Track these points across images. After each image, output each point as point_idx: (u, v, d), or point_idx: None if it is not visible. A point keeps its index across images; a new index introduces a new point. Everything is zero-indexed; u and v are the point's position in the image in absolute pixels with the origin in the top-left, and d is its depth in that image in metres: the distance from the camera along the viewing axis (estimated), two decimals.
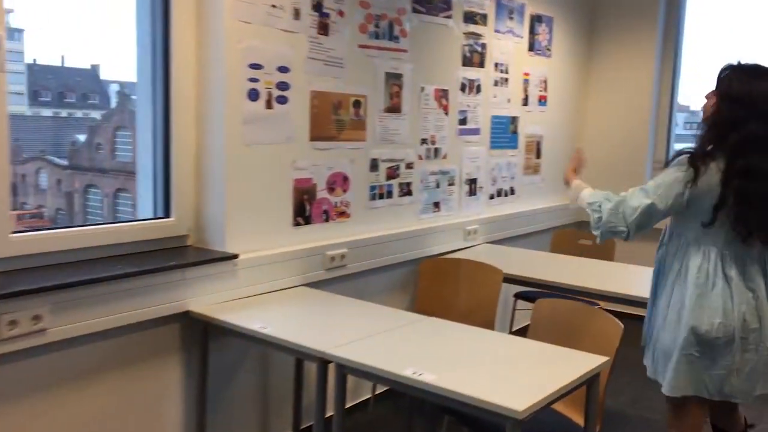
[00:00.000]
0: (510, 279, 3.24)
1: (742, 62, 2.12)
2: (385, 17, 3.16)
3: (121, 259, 2.35)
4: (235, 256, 2.53)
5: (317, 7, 2.81)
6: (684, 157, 2.08)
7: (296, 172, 2.82)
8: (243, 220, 2.61)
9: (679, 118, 5.63)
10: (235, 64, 2.53)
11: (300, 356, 2.37)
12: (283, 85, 2.71)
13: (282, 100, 2.71)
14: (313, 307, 2.58)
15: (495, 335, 2.37)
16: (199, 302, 2.44)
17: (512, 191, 4.32)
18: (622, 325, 2.24)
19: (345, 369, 2.01)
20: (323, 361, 2.07)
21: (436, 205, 3.67)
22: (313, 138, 2.87)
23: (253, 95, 2.60)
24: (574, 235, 4.16)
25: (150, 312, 2.32)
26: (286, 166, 2.77)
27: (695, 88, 5.08)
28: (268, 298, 2.62)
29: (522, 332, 4.34)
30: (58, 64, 3.25)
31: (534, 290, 3.40)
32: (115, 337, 2.28)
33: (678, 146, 2.43)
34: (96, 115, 3.59)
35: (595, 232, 2.23)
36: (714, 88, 2.13)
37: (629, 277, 3.29)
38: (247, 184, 2.62)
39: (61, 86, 3.23)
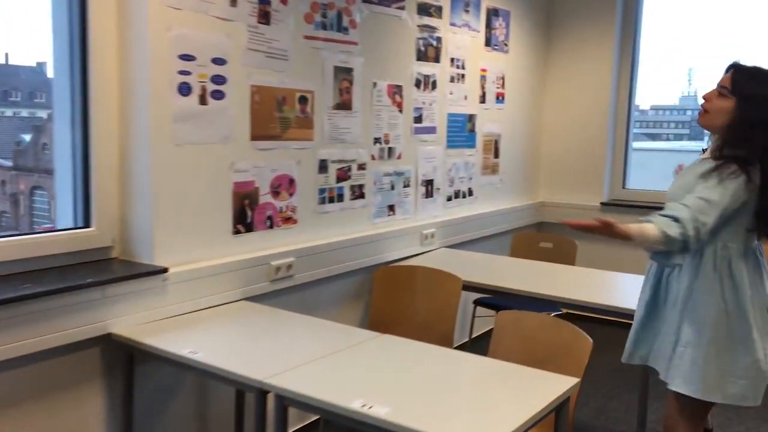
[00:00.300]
0: (470, 287, 3.05)
1: (747, 64, 2.09)
2: (332, 6, 2.92)
3: (35, 276, 2.06)
4: (165, 270, 2.26)
5: None
6: (728, 165, 1.99)
7: (236, 175, 2.56)
8: (174, 228, 2.34)
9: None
10: (162, 54, 2.25)
11: (235, 386, 2.11)
12: (218, 79, 2.44)
13: (218, 95, 2.45)
14: (253, 326, 2.33)
15: (455, 355, 2.16)
16: (123, 323, 2.16)
17: (470, 192, 4.14)
18: (591, 341, 2.06)
19: (285, 400, 1.76)
20: (262, 392, 1.82)
21: (391, 208, 3.45)
22: (255, 137, 2.62)
23: (185, 89, 2.34)
24: (535, 238, 4.00)
25: (65, 336, 2.03)
26: (224, 169, 2.51)
27: (651, 87, 5.03)
28: (204, 316, 2.35)
29: (482, 339, 4.19)
30: (2, 62, 2.98)
31: (494, 297, 3.22)
32: (27, 366, 2.00)
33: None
34: (43, 114, 3.32)
35: (676, 246, 2.01)
36: (724, 90, 2.06)
37: (592, 283, 3.12)
38: (179, 188, 2.35)
39: (6, 85, 2.97)
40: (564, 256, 3.78)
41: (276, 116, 2.70)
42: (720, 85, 2.09)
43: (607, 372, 3.60)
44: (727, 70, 2.11)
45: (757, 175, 1.99)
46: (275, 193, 2.74)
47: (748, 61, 2.11)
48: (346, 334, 2.26)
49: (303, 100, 2.82)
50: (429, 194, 3.74)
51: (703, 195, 1.98)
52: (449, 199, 3.93)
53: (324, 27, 2.89)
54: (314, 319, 2.41)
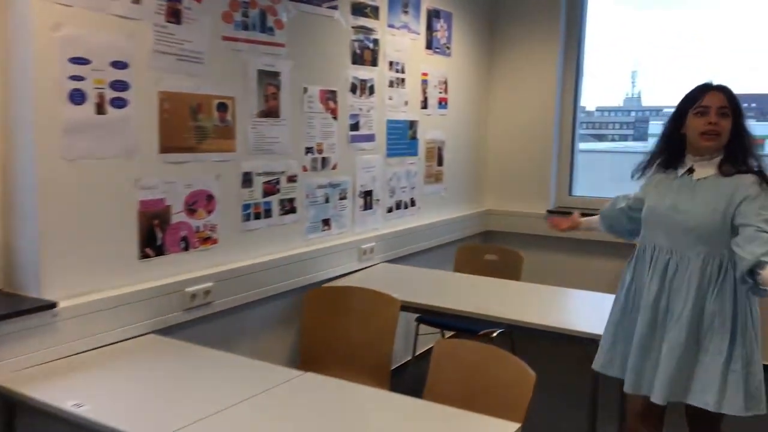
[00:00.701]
0: (409, 307, 2.84)
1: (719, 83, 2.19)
2: (255, 5, 2.66)
3: None
4: (53, 305, 1.97)
5: None
6: (755, 177, 2.09)
7: (142, 192, 2.28)
8: (67, 255, 2.05)
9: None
10: (49, 57, 1.96)
11: None
12: (119, 85, 2.16)
13: (119, 102, 2.17)
14: (157, 366, 2.05)
15: (385, 398, 1.92)
16: (3, 369, 1.86)
17: (413, 203, 3.93)
18: (534, 375, 1.87)
19: None
20: None
21: (326, 222, 3.21)
22: (165, 149, 2.34)
23: (78, 97, 2.05)
24: (480, 250, 3.82)
25: None
26: (128, 186, 2.23)
27: (596, 88, 4.95)
28: (102, 356, 2.07)
29: (427, 356, 3.97)
30: None
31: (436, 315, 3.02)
32: None
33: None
34: None
35: None
36: (725, 110, 2.13)
37: (537, 300, 2.95)
38: (71, 209, 2.06)
39: None
40: (509, 269, 3.61)
41: (190, 126, 2.43)
42: (719, 105, 2.13)
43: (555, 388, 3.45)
44: (705, 89, 2.16)
45: None
46: (191, 211, 2.47)
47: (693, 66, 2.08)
48: (263, 374, 2.00)
49: (222, 107, 2.56)
50: (368, 206, 3.52)
51: None
52: (390, 210, 3.72)
53: (245, 27, 2.63)
54: (228, 355, 2.15)
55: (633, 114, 5.35)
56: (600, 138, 5.47)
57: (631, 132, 5.46)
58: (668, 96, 4.88)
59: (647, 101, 5.00)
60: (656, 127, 5.04)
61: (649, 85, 4.81)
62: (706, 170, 2.16)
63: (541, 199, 4.63)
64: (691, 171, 2.19)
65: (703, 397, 2.06)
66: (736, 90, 2.17)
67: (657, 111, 5.04)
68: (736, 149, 2.12)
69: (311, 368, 2.72)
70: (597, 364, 2.30)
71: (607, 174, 5.22)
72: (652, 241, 2.23)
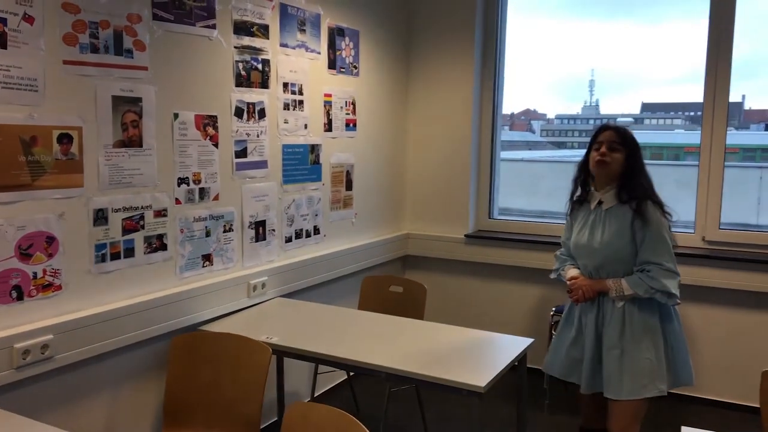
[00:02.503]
0: (291, 353, 2.62)
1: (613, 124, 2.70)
2: (106, 25, 2.42)
3: None
4: None
5: None
6: (652, 203, 2.52)
7: None
8: None
9: (535, 125, 5.39)
10: None
11: None
12: None
13: None
14: None
15: None
16: None
17: (316, 231, 3.71)
18: None
19: None
20: None
21: (207, 258, 2.96)
22: None
23: None
24: (385, 282, 3.62)
25: None
26: None
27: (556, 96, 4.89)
28: None
29: (323, 398, 3.77)
30: None
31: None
32: None
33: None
34: None
35: (676, 301, 2.54)
36: (616, 144, 2.58)
37: (432, 346, 2.74)
38: None
39: None
40: (413, 302, 3.42)
41: (22, 161, 2.17)
42: (609, 141, 2.58)
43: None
44: (602, 129, 2.63)
45: None
46: (25, 255, 2.20)
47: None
48: None
49: (65, 138, 2.30)
50: (260, 237, 3.28)
51: (667, 249, 2.51)
52: (288, 240, 3.49)
53: (95, 50, 2.38)
54: (39, 425, 1.88)
55: (591, 122, 5.25)
56: (560, 145, 5.39)
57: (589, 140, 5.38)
58: (624, 104, 4.96)
59: (605, 109, 4.94)
60: None
61: (606, 93, 4.77)
62: (609, 201, 2.60)
63: (459, 223, 4.47)
64: (600, 203, 2.62)
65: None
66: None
67: (613, 119, 4.96)
68: (628, 179, 2.55)
69: (176, 426, 2.49)
70: (545, 366, 2.83)
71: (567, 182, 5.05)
72: (584, 268, 2.68)
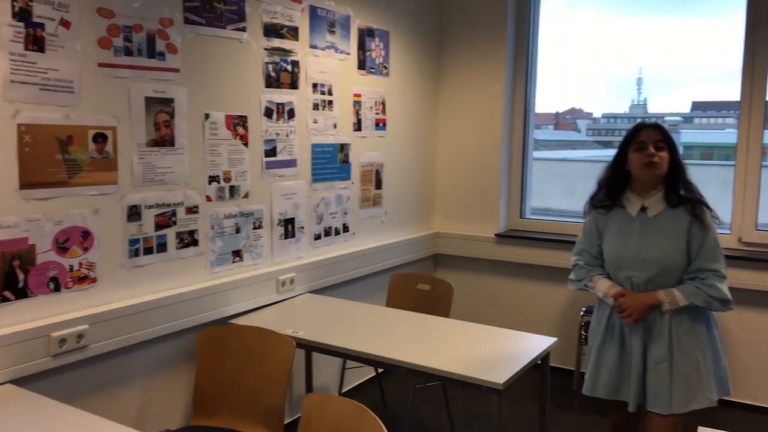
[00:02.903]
0: (317, 347, 2.68)
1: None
2: (139, 29, 2.52)
3: None
4: None
5: (22, 15, 2.14)
6: (703, 207, 2.38)
7: None
8: None
9: (581, 124, 5.32)
10: None
11: None
12: None
13: None
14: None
15: None
16: None
17: (346, 228, 3.77)
18: None
19: None
20: None
21: (237, 253, 3.05)
22: (26, 185, 2.19)
23: None
24: (413, 279, 3.65)
25: None
26: None
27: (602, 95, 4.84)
28: None
29: (351, 394, 3.82)
30: None
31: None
32: None
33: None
34: None
35: (731, 308, 2.40)
36: (662, 144, 2.39)
37: (456, 342, 2.77)
38: None
39: None
40: (440, 299, 3.44)
41: (59, 159, 2.28)
42: (654, 140, 2.39)
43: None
44: (640, 128, 2.44)
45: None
46: (62, 249, 2.31)
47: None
48: None
49: (100, 138, 2.41)
50: (290, 234, 3.36)
51: (722, 254, 2.38)
52: (317, 237, 3.56)
53: (128, 53, 2.49)
54: (74, 410, 1.98)
55: (639, 121, 5.17)
56: (606, 145, 5.31)
57: None
58: (673, 103, 4.79)
59: (653, 108, 4.85)
60: None
61: (655, 92, 4.68)
62: (656, 206, 2.42)
63: (490, 222, 4.47)
64: (644, 209, 2.43)
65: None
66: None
67: (660, 118, 4.87)
68: (676, 180, 2.39)
69: (204, 415, 2.58)
70: (586, 389, 2.56)
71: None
72: (633, 279, 2.45)
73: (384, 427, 1.74)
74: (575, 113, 5.27)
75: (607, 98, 5.02)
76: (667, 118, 4.77)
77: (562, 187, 5.00)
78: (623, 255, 2.44)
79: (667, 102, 4.78)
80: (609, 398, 2.48)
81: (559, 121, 5.18)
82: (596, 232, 2.55)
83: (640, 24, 4.38)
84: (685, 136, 4.79)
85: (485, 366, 2.39)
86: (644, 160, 2.37)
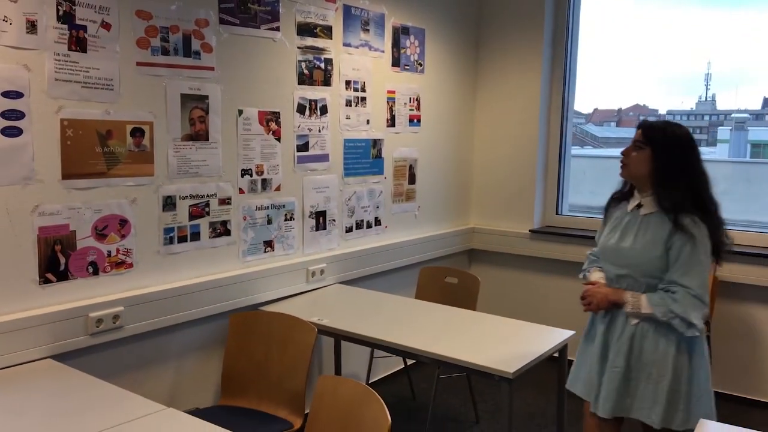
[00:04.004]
0: (344, 336, 2.79)
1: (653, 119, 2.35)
2: (176, 30, 2.67)
3: None
4: None
5: (66, 18, 2.31)
6: (692, 218, 2.18)
7: (42, 219, 2.31)
8: None
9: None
10: None
11: None
12: (13, 114, 2.20)
13: (13, 132, 2.21)
14: (31, 395, 2.06)
15: None
16: None
17: (378, 222, 3.86)
18: (390, 420, 1.79)
19: None
20: None
21: (269, 244, 3.18)
22: (68, 176, 2.37)
23: None
24: (442, 273, 3.72)
25: None
26: (24, 213, 2.26)
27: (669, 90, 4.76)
28: None
29: (380, 384, 3.91)
30: None
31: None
32: None
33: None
34: None
35: (695, 333, 2.19)
36: (639, 143, 2.28)
37: (478, 334, 2.83)
38: None
39: None
40: (467, 293, 3.50)
41: (99, 151, 2.45)
42: (634, 140, 2.29)
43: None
44: (637, 128, 2.32)
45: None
46: (101, 235, 2.49)
47: None
48: (129, 406, 1.98)
49: (138, 132, 2.57)
50: (321, 226, 3.48)
51: (701, 274, 2.18)
52: (349, 230, 3.66)
53: (165, 52, 2.64)
54: (107, 385, 2.14)
55: (706, 118, 5.09)
56: None
57: (705, 137, 5.21)
58: (744, 99, 4.61)
59: (722, 105, 4.75)
60: (725, 132, 4.79)
61: (724, 88, 4.56)
62: (649, 206, 2.30)
63: (525, 218, 4.49)
64: (639, 206, 2.34)
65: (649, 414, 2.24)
66: None
67: (727, 115, 4.78)
68: (664, 183, 2.23)
69: (231, 397, 2.72)
70: (568, 383, 2.52)
71: None
72: (607, 273, 2.40)
73: (386, 408, 1.83)
74: (639, 110, 5.18)
75: (673, 95, 4.89)
76: (734, 115, 4.65)
77: (614, 185, 4.93)
78: (606, 246, 2.38)
79: (737, 98, 4.63)
80: (585, 398, 2.42)
81: (622, 117, 5.12)
82: (604, 223, 2.52)
83: (708, 18, 4.24)
84: (753, 134, 4.66)
85: (501, 356, 2.45)
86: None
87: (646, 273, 2.25)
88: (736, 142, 4.75)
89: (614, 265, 2.34)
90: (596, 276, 2.43)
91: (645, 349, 2.25)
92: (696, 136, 5.17)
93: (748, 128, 4.61)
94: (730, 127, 4.73)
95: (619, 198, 2.46)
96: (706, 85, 4.59)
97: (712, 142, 4.99)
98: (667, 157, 2.23)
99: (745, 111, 4.67)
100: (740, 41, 4.09)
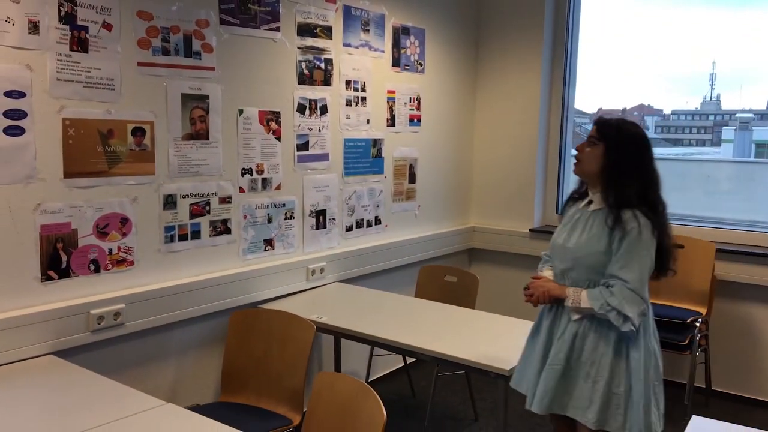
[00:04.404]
0: (343, 333, 2.82)
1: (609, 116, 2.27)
2: (177, 30, 2.70)
3: None
4: None
5: (68, 18, 2.34)
6: (632, 212, 2.12)
7: (44, 217, 2.34)
8: None
9: (649, 121, 5.26)
10: None
11: None
12: (15, 114, 2.23)
13: (15, 131, 2.24)
14: (30, 390, 2.09)
15: None
16: None
17: (378, 221, 3.89)
18: (385, 416, 1.81)
19: None
20: None
21: (269, 242, 3.21)
22: (70, 175, 2.40)
23: None
24: (441, 271, 3.74)
25: None
26: (26, 211, 2.29)
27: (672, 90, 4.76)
28: None
29: (380, 382, 3.93)
30: None
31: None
32: None
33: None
34: None
35: (630, 327, 2.11)
36: (593, 139, 2.22)
37: (476, 331, 2.85)
38: None
39: None
40: (466, 291, 3.52)
41: (100, 151, 2.48)
42: (589, 136, 2.23)
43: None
44: (593, 124, 2.26)
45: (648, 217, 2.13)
46: (102, 234, 2.52)
47: None
48: (128, 401, 2.01)
49: (139, 131, 2.60)
50: (321, 225, 3.50)
51: (639, 269, 2.11)
52: (349, 229, 3.69)
53: (166, 52, 2.67)
54: (106, 380, 2.17)
55: (711, 118, 5.10)
56: (675, 143, 5.24)
57: (709, 137, 5.22)
58: (749, 99, 4.56)
59: (726, 105, 4.74)
60: (729, 132, 4.80)
61: (729, 88, 4.53)
62: (598, 202, 2.23)
63: (525, 218, 4.50)
64: (590, 203, 2.28)
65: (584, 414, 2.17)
66: None
67: (732, 115, 4.77)
68: (612, 179, 2.17)
69: (231, 393, 2.75)
70: (512, 382, 2.39)
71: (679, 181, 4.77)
72: (555, 269, 2.35)
73: (381, 404, 1.85)
74: (644, 110, 5.19)
75: (677, 94, 4.87)
76: (738, 115, 4.65)
77: None
78: (555, 242, 2.33)
79: (742, 98, 4.61)
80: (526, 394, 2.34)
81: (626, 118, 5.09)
82: (560, 222, 2.44)
83: (713, 17, 4.22)
84: (758, 134, 4.66)
85: (498, 354, 2.47)
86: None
87: (589, 268, 2.18)
88: (741, 142, 4.75)
89: (561, 261, 2.28)
90: (548, 273, 2.37)
91: (585, 348, 2.18)
92: (700, 136, 5.20)
93: (753, 128, 4.61)
94: (734, 127, 4.73)
95: (576, 197, 2.39)
96: (711, 85, 4.59)
97: (717, 142, 5.00)
98: (619, 154, 2.17)
99: (750, 111, 4.67)
100: (745, 41, 4.09)
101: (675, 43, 4.39)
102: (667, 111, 5.11)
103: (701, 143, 5.29)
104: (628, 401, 2.14)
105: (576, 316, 2.20)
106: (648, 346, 2.19)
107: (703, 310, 3.69)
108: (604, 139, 2.19)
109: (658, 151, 5.16)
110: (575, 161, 2.26)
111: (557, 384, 2.20)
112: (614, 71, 4.50)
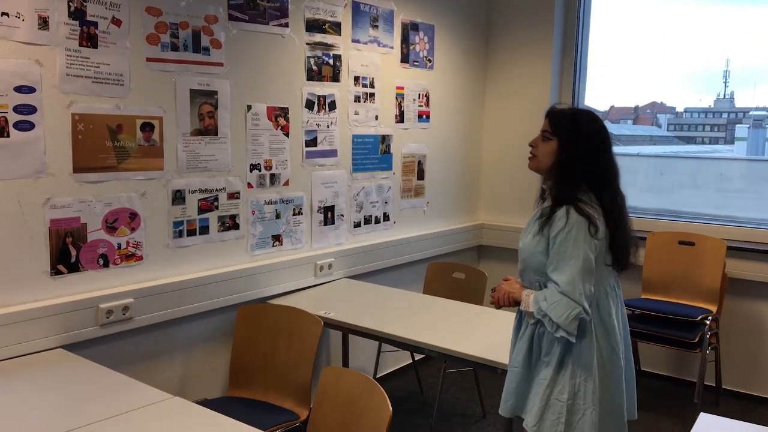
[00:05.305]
0: (350, 329, 2.82)
1: (562, 107, 2.18)
2: (185, 26, 2.71)
3: None
4: None
5: (77, 14, 2.36)
6: (566, 209, 1.98)
7: (53, 212, 2.36)
8: None
9: (662, 119, 5.22)
10: None
11: None
12: (25, 108, 2.25)
13: (25, 126, 2.25)
14: (37, 382, 2.11)
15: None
16: None
17: (386, 217, 3.89)
18: (391, 410, 1.82)
19: None
20: None
21: (277, 238, 3.22)
22: (79, 169, 2.41)
23: None
24: (449, 268, 3.73)
25: None
26: (35, 205, 2.31)
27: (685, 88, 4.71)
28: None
29: (388, 378, 3.94)
30: None
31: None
32: None
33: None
34: None
35: (562, 333, 1.98)
36: (546, 134, 2.12)
37: (482, 328, 2.85)
38: None
39: None
40: (474, 288, 3.52)
41: (109, 146, 2.50)
42: (542, 130, 2.14)
43: None
44: (545, 117, 2.17)
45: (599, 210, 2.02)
46: (111, 228, 2.53)
47: None
48: (136, 395, 2.02)
49: (148, 127, 2.61)
50: (329, 221, 3.51)
51: (569, 269, 1.96)
52: (357, 225, 3.69)
53: (175, 48, 2.68)
54: (113, 373, 2.18)
55: (725, 116, 5.06)
56: (688, 141, 5.21)
57: (723, 135, 5.19)
58: (763, 97, 4.46)
59: (740, 102, 4.69)
60: (743, 130, 4.76)
61: (743, 85, 4.48)
62: (549, 200, 2.11)
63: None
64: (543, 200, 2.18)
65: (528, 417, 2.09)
66: None
67: (745, 113, 4.74)
68: (562, 175, 2.05)
69: (239, 387, 2.76)
70: None
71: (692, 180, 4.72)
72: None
73: (387, 399, 1.85)
74: (656, 107, 5.14)
75: (691, 92, 4.80)
76: (752, 113, 4.61)
77: (634, 185, 4.88)
78: (519, 244, 2.20)
79: (756, 96, 4.55)
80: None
81: (639, 115, 5.09)
82: None
83: (727, 14, 4.17)
84: None
85: (506, 350, 2.45)
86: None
87: (536, 270, 2.08)
88: (754, 140, 4.71)
89: (519, 263, 2.18)
90: None
91: (542, 350, 2.09)
92: (713, 134, 5.16)
93: (766, 126, 4.57)
94: (748, 125, 4.70)
95: (543, 196, 2.23)
96: (725, 83, 4.55)
97: (730, 140, 4.96)
98: (572, 152, 2.05)
99: (764, 108, 4.63)
100: (759, 38, 4.05)
101: (688, 40, 4.35)
102: (680, 109, 5.06)
103: (714, 141, 5.25)
104: (573, 411, 2.01)
105: (532, 320, 2.09)
106: (585, 363, 2.02)
107: (714, 308, 3.66)
108: (557, 135, 2.08)
109: (670, 149, 5.15)
110: (530, 156, 2.16)
111: (518, 386, 2.12)
112: (626, 68, 4.47)
